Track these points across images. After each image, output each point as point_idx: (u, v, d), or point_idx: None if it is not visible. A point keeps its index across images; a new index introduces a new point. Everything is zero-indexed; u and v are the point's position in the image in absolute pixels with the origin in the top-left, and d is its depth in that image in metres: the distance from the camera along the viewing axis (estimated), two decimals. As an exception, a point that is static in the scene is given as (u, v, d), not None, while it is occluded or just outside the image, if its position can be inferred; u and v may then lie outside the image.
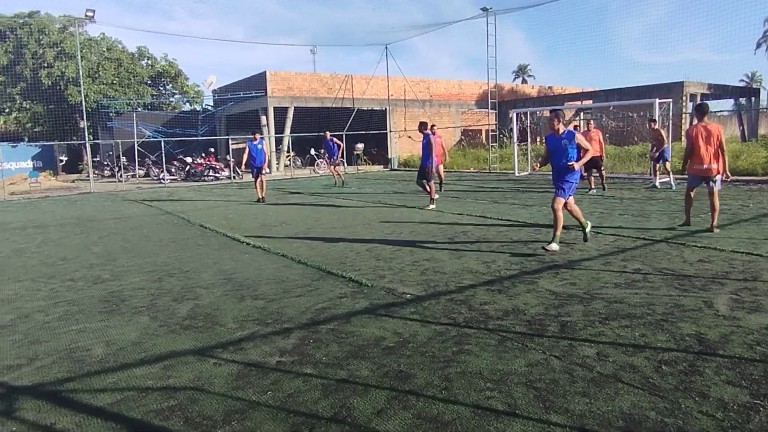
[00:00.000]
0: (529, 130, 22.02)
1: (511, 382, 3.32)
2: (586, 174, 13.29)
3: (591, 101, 30.05)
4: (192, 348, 4.09)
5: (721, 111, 44.04)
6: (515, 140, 21.29)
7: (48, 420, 3.09)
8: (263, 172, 14.84)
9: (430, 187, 11.62)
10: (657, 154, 14.06)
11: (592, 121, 14.81)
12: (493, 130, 26.27)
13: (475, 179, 20.03)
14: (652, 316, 4.37)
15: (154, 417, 3.08)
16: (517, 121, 21.45)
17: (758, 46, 59.94)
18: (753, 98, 33.24)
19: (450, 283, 5.60)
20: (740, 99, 34.68)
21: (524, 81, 69.81)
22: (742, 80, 70.29)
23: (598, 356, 3.65)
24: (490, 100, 26.59)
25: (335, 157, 18.56)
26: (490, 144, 25.71)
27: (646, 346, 3.78)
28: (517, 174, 20.67)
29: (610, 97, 27.94)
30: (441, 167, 14.06)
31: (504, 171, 22.59)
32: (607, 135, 16.48)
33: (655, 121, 14.59)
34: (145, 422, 3.03)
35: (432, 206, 11.52)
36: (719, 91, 29.48)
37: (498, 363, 3.60)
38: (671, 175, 14.43)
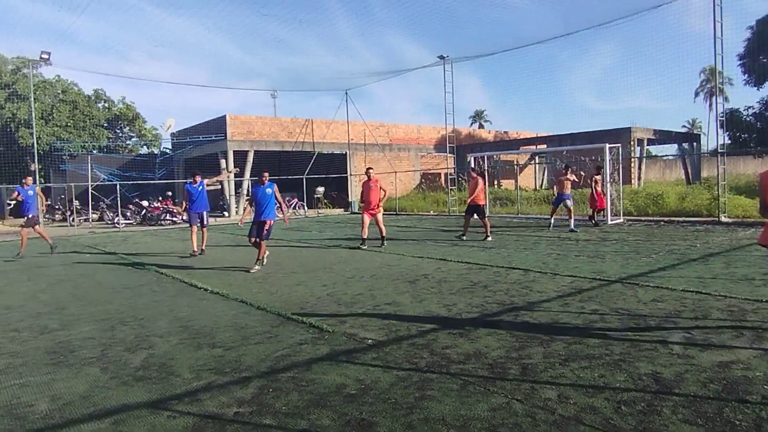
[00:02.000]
0: (486, 174, 22.56)
1: (474, 427, 3.30)
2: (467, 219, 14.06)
3: (546, 146, 31.11)
4: (145, 400, 3.92)
5: (666, 155, 46.33)
6: (473, 183, 21.73)
7: (-16, 484, 2.88)
8: (204, 221, 12.60)
9: (259, 246, 10.09)
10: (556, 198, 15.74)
11: (473, 171, 15.78)
12: (451, 174, 26.80)
13: (435, 222, 20.24)
14: (610, 356, 4.44)
15: (102, 477, 2.90)
16: (474, 164, 21.95)
17: (696, 95, 64.15)
18: (695, 143, 35.11)
19: (411, 328, 5.57)
20: (683, 144, 36.59)
21: (481, 126, 72.09)
22: (684, 126, 74.67)
23: (560, 398, 3.67)
24: (448, 145, 27.24)
25: (32, 214, 12.84)
26: (449, 187, 26.16)
27: (606, 387, 3.83)
28: (475, 216, 20.98)
29: (564, 141, 29.04)
30: (380, 215, 12.44)
31: (463, 213, 22.90)
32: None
33: (567, 168, 15.98)
34: (92, 483, 2.86)
35: (256, 267, 9.88)
36: (664, 137, 31.06)
37: (461, 408, 3.57)
38: (552, 218, 15.98)
